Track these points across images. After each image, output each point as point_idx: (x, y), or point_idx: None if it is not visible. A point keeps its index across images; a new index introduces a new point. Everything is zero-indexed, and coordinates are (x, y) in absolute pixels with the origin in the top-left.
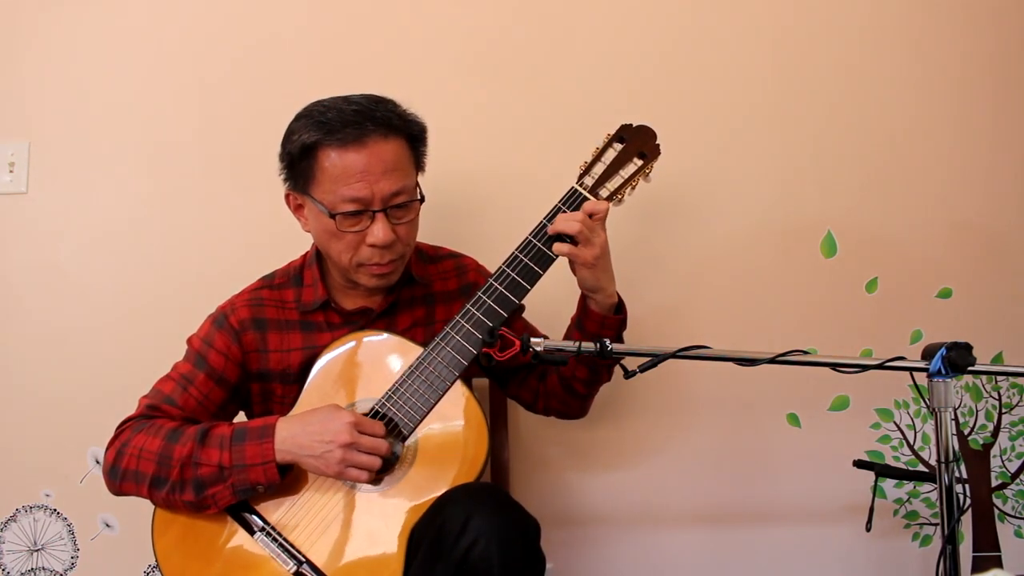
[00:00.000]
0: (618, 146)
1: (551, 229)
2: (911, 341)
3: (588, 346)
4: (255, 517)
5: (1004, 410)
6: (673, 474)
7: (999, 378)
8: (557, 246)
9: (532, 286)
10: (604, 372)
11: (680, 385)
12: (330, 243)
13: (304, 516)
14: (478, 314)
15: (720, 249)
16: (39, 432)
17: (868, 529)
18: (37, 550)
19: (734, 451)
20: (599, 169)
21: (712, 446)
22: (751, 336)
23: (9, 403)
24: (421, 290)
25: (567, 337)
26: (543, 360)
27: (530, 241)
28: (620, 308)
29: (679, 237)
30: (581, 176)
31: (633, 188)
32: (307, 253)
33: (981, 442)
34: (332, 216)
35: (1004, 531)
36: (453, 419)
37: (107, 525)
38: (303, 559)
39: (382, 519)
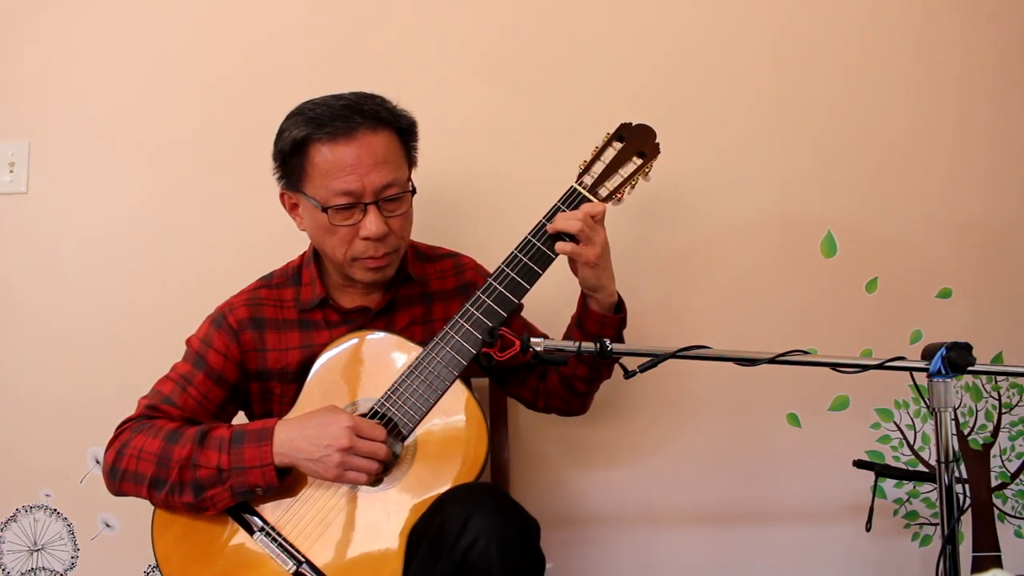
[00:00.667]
0: (617, 145)
1: (551, 228)
2: (911, 341)
3: (588, 346)
4: (255, 517)
5: (1004, 410)
6: (673, 474)
7: (999, 378)
8: (560, 245)
9: (531, 286)
10: (604, 369)
11: (680, 385)
12: (324, 239)
13: (304, 516)
14: (477, 314)
15: (720, 249)
16: (39, 432)
17: (868, 529)
18: (37, 550)
19: (734, 451)
20: (598, 168)
21: (712, 446)
22: (751, 336)
23: (9, 403)
24: (418, 289)
25: (567, 336)
26: (543, 360)
27: (530, 240)
28: (620, 307)
29: (679, 237)
30: (580, 175)
31: (633, 187)
32: (304, 253)
33: (981, 442)
34: (324, 210)
35: (1004, 531)
36: (453, 419)
37: (107, 525)
38: (303, 559)
39: (382, 519)
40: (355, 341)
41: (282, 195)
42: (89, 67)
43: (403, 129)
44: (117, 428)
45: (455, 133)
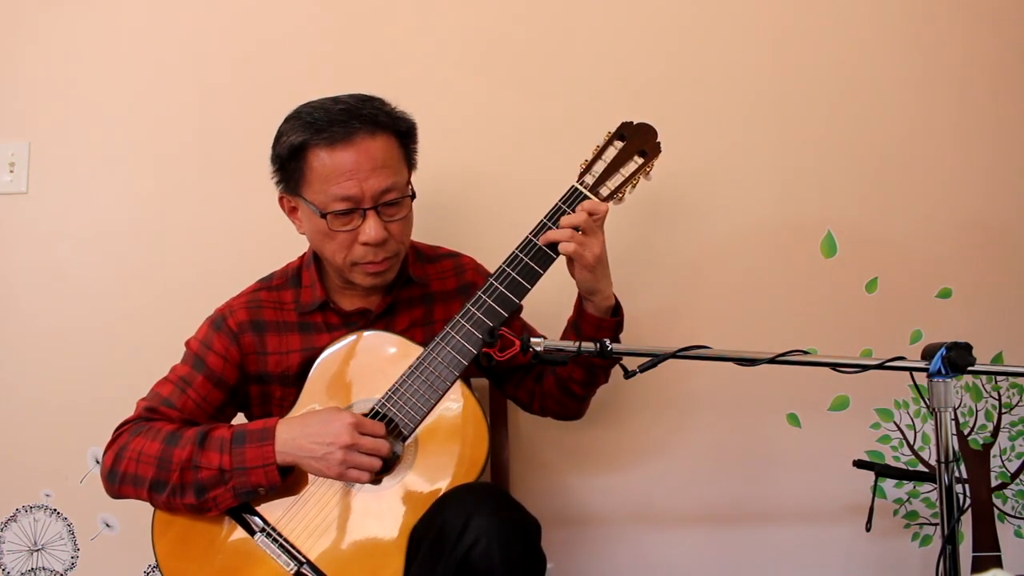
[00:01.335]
0: (619, 144)
1: (564, 221)
2: (911, 341)
3: (588, 346)
4: (255, 517)
5: (1004, 410)
6: (673, 474)
7: (999, 378)
8: (563, 245)
9: (532, 285)
10: (601, 374)
11: (680, 385)
12: (324, 243)
13: (304, 516)
14: (478, 314)
15: (720, 249)
16: (39, 432)
17: (868, 529)
18: (37, 550)
19: (734, 451)
20: (600, 167)
21: (712, 446)
22: (751, 336)
23: (9, 403)
24: (419, 290)
25: (563, 340)
26: (543, 360)
27: (531, 240)
28: (617, 311)
29: (679, 236)
30: (582, 174)
31: (634, 186)
32: (304, 255)
33: (981, 442)
34: (323, 216)
35: (1004, 531)
36: (453, 419)
37: (107, 525)
38: (303, 559)
39: (382, 519)
40: (354, 340)
41: (281, 198)
42: (89, 67)
43: (402, 132)
44: (115, 431)
45: (456, 133)
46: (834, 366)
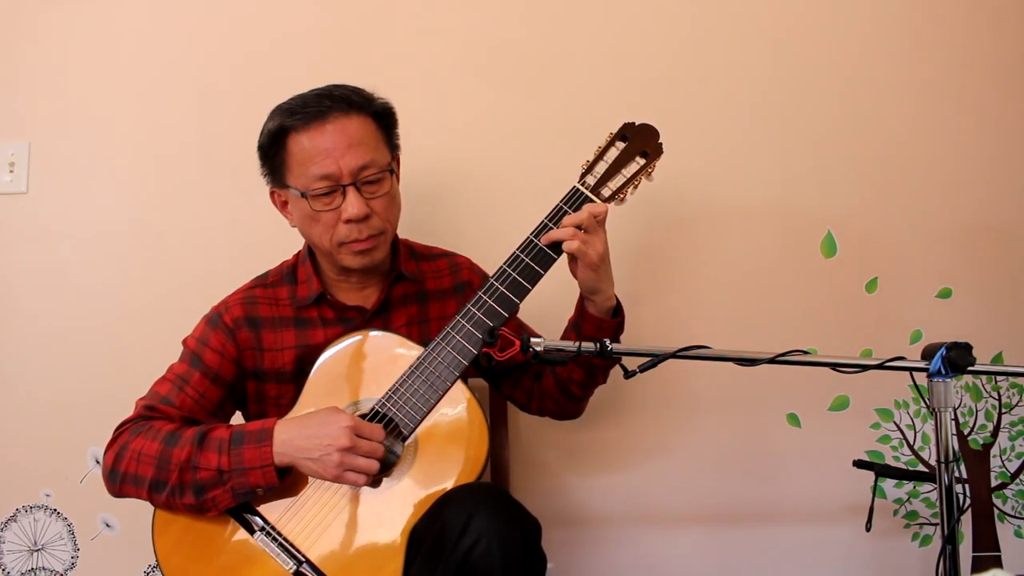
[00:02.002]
0: (620, 145)
1: (566, 220)
2: (911, 341)
3: (588, 346)
4: (255, 516)
5: (1004, 410)
6: (673, 474)
7: (999, 378)
8: (567, 243)
9: (533, 286)
10: (600, 375)
11: (680, 385)
12: (311, 228)
13: (304, 515)
14: (479, 314)
15: (720, 248)
16: (39, 432)
17: (868, 529)
18: (37, 550)
19: (734, 451)
20: (601, 168)
21: (712, 446)
22: (751, 336)
23: (9, 403)
24: (413, 287)
25: (563, 340)
26: (542, 360)
27: (532, 241)
28: (618, 312)
29: (679, 236)
30: (583, 175)
31: (635, 187)
32: (299, 251)
33: (981, 442)
34: (305, 196)
35: (1004, 531)
36: (453, 419)
37: (107, 525)
38: (303, 558)
39: (382, 518)
40: (357, 339)
41: (272, 193)
42: (89, 67)
43: (379, 113)
44: (115, 430)
45: (457, 134)
46: (834, 366)
